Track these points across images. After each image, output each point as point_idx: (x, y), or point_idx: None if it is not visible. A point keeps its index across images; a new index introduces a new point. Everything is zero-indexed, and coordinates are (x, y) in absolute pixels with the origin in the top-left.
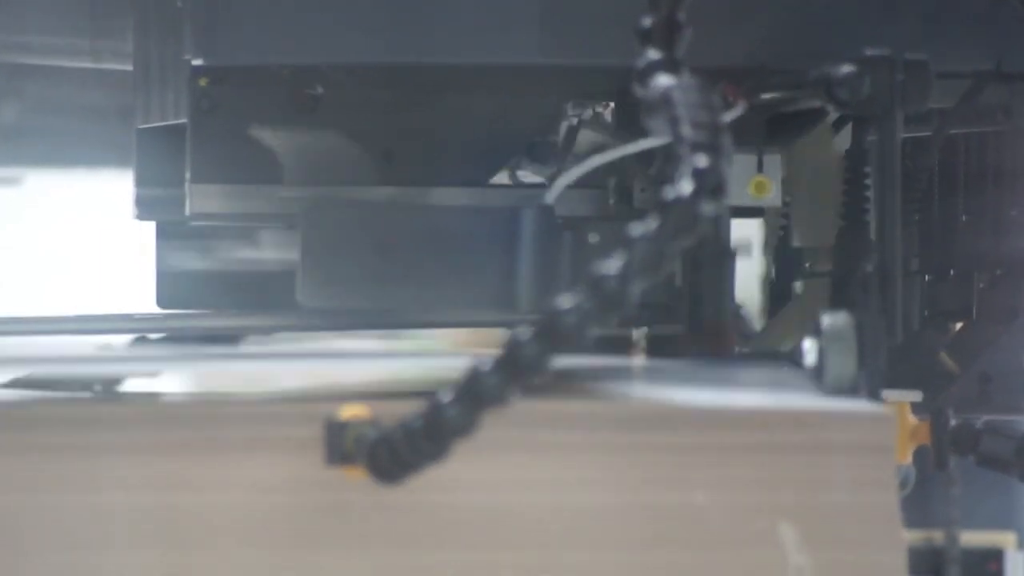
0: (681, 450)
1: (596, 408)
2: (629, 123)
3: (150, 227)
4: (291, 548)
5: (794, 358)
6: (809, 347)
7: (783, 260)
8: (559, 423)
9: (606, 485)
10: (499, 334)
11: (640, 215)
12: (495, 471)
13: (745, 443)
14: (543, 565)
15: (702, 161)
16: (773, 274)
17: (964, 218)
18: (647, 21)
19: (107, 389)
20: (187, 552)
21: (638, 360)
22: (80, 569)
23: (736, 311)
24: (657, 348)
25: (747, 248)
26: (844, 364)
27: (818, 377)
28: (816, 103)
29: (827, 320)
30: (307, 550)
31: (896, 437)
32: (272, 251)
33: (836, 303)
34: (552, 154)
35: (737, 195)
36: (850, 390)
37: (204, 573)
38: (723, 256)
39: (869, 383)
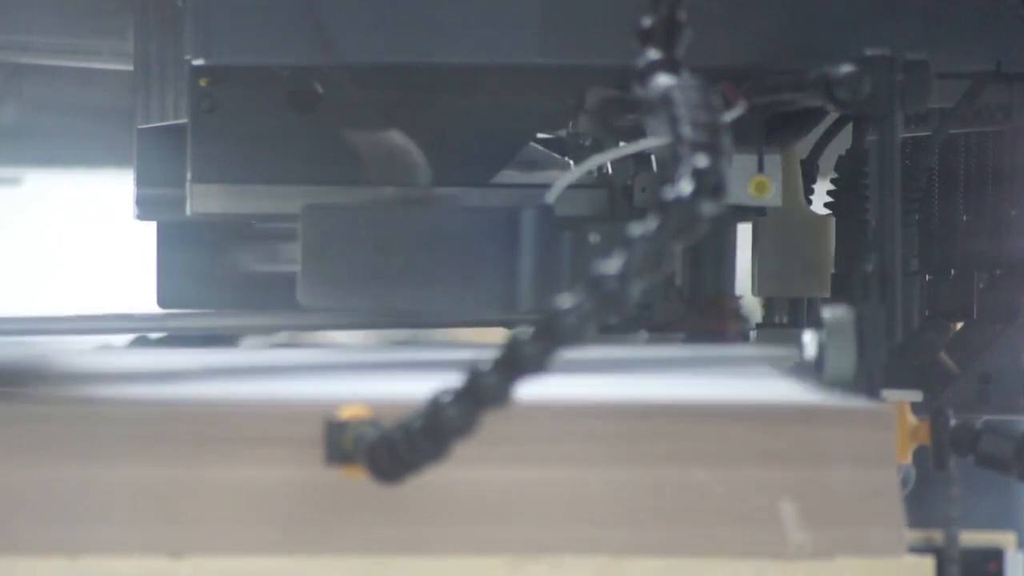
0: (682, 429)
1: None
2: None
3: (150, 227)
4: (290, 523)
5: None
6: (809, 340)
7: None
8: (558, 414)
9: (606, 461)
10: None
11: (640, 215)
12: (495, 448)
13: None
14: (543, 540)
15: (702, 161)
16: None
17: (964, 218)
18: (647, 21)
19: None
20: (186, 528)
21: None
22: (79, 543)
23: (737, 307)
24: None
25: None
26: (844, 358)
27: (817, 370)
28: (816, 103)
29: (827, 313)
30: (306, 524)
31: (895, 420)
32: (272, 251)
33: (837, 303)
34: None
35: (737, 195)
36: (849, 384)
37: (203, 549)
38: (724, 251)
39: (868, 377)
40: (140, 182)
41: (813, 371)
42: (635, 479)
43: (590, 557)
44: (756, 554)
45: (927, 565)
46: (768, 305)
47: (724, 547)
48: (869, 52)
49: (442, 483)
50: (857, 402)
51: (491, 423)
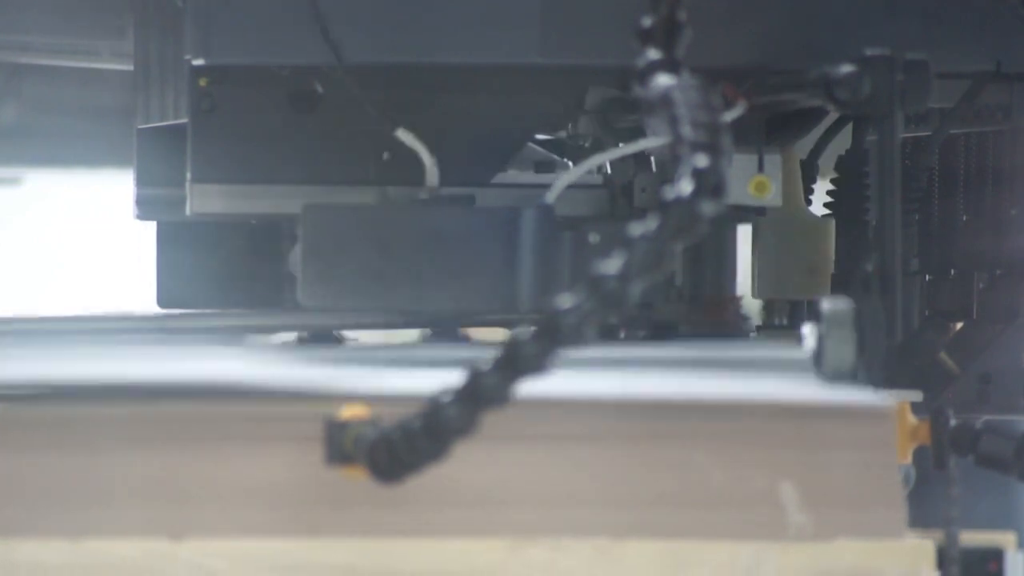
0: (683, 415)
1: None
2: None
3: (150, 227)
4: (290, 506)
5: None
6: (808, 332)
7: None
8: (559, 400)
9: (606, 443)
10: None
11: (640, 215)
12: (494, 431)
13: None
14: (542, 522)
15: (702, 161)
16: None
17: (964, 218)
18: (647, 21)
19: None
20: (186, 511)
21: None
22: (80, 526)
23: (736, 307)
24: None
25: None
26: (843, 350)
27: (816, 362)
28: (816, 103)
29: (827, 306)
30: (306, 507)
31: (895, 405)
32: (272, 251)
33: None
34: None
35: (737, 195)
36: (849, 376)
37: (203, 531)
38: (724, 251)
39: (868, 369)
40: (140, 182)
41: (812, 363)
42: (635, 461)
43: (589, 540)
44: (756, 536)
45: (927, 547)
46: (768, 307)
47: (724, 529)
48: (869, 52)
49: (442, 467)
50: (857, 391)
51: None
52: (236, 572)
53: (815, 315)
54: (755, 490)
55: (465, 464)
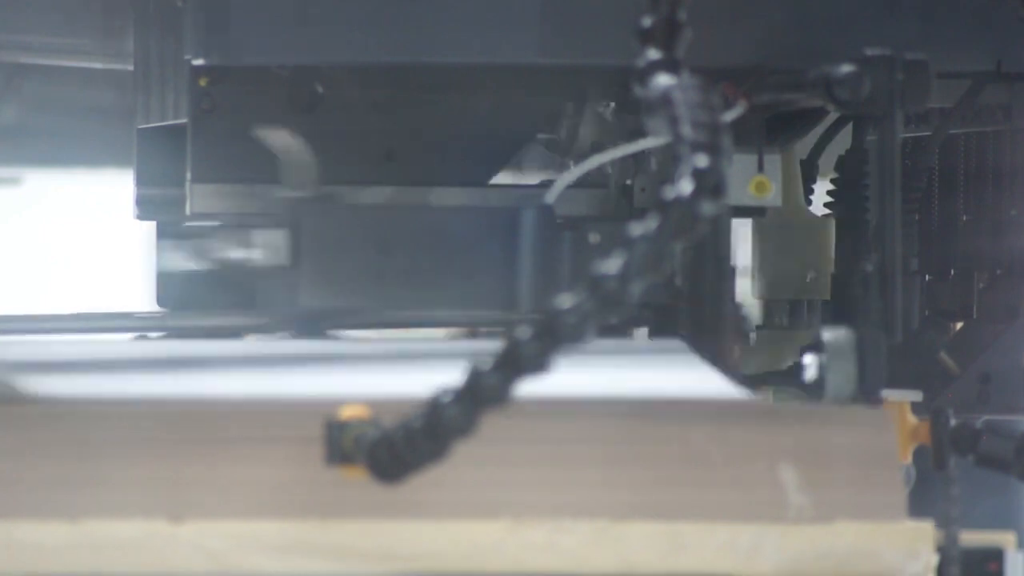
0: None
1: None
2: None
3: (150, 227)
4: (290, 487)
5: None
6: (809, 363)
7: None
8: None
9: (606, 425)
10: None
11: (640, 215)
12: (495, 414)
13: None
14: (544, 504)
15: (702, 161)
16: None
17: (964, 218)
18: (647, 21)
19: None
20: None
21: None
22: (79, 507)
23: (737, 310)
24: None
25: None
26: (844, 380)
27: (817, 392)
28: (816, 103)
29: (828, 336)
30: (306, 489)
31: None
32: (272, 251)
33: (837, 303)
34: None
35: (737, 195)
36: (850, 404)
37: (203, 513)
38: (724, 256)
39: (868, 397)
40: (140, 182)
41: (813, 393)
42: (635, 443)
43: (589, 521)
44: (756, 518)
45: (926, 529)
46: (768, 307)
47: (724, 511)
48: (869, 52)
49: None
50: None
51: None
52: (235, 553)
53: (815, 345)
54: (755, 472)
55: (465, 445)
